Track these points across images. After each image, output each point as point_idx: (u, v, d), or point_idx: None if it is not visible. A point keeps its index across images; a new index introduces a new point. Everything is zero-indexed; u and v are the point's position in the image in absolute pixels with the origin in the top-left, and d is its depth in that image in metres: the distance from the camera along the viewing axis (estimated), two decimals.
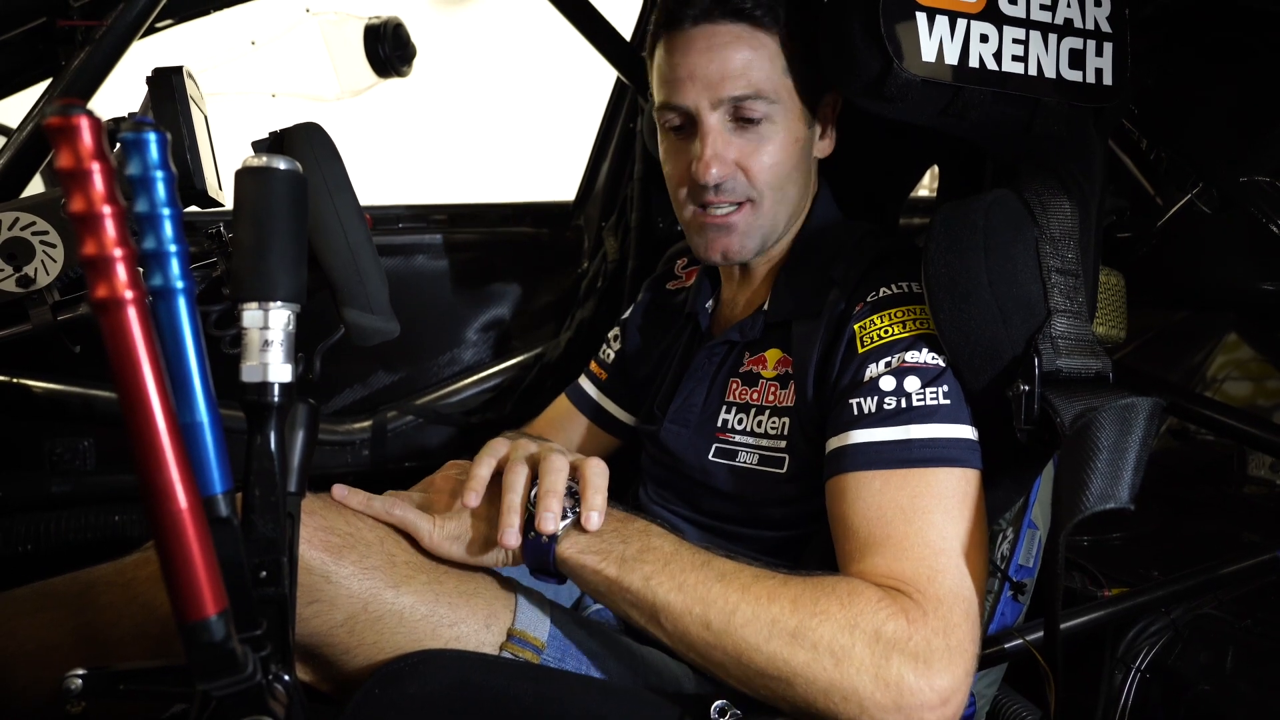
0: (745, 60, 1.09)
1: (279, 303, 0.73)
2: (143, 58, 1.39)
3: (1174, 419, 2.09)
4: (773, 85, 1.11)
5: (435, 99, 4.75)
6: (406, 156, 4.84)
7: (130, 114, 1.02)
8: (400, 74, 1.74)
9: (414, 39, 1.84)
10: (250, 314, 0.72)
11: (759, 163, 1.13)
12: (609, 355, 1.53)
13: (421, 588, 0.94)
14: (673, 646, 0.91)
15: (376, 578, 0.91)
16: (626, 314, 1.53)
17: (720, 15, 1.09)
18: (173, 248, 0.59)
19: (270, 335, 0.72)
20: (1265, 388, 2.62)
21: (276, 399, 0.73)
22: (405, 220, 2.04)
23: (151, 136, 0.57)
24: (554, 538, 0.93)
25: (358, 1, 1.83)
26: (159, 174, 0.57)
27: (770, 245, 1.21)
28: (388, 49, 1.70)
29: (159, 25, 1.55)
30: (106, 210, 0.50)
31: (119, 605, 0.91)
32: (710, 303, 1.35)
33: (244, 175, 0.73)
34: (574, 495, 0.96)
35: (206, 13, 1.61)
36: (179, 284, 0.60)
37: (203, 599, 0.54)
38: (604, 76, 2.02)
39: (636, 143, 1.93)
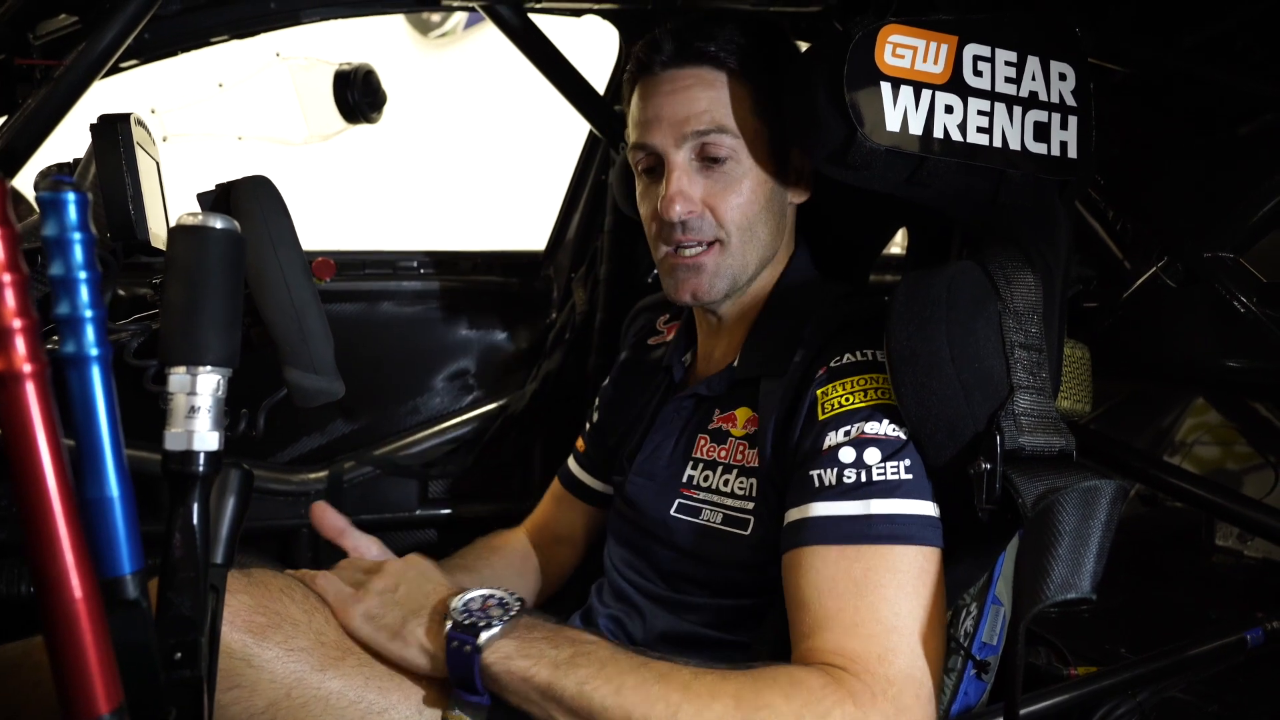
0: (709, 99, 1.12)
1: (208, 367, 0.70)
2: (108, 97, 1.36)
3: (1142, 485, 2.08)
4: (737, 123, 1.13)
5: (408, 145, 4.74)
6: (376, 202, 4.82)
7: (71, 162, 0.99)
8: (370, 120, 1.72)
9: (387, 85, 1.83)
10: (177, 378, 0.69)
11: (726, 203, 1.13)
12: (589, 424, 1.50)
13: (351, 670, 0.90)
14: None
15: (302, 660, 0.87)
16: (606, 380, 1.51)
17: (685, 60, 1.13)
18: (88, 313, 0.56)
19: (197, 401, 0.69)
20: (1234, 452, 2.62)
21: (201, 469, 0.69)
22: (371, 266, 2.01)
23: (70, 197, 0.54)
24: (478, 647, 0.89)
25: (330, 47, 1.81)
26: (77, 236, 0.54)
27: (741, 288, 1.19)
28: (357, 95, 1.68)
29: (123, 65, 1.52)
30: (5, 279, 0.47)
31: (25, 690, 0.86)
32: (687, 356, 1.33)
33: (177, 234, 0.70)
34: (503, 605, 0.93)
35: (174, 54, 1.59)
36: (93, 351, 0.56)
37: (94, 696, 0.50)
38: (577, 127, 2.01)
39: (608, 195, 1.92)
